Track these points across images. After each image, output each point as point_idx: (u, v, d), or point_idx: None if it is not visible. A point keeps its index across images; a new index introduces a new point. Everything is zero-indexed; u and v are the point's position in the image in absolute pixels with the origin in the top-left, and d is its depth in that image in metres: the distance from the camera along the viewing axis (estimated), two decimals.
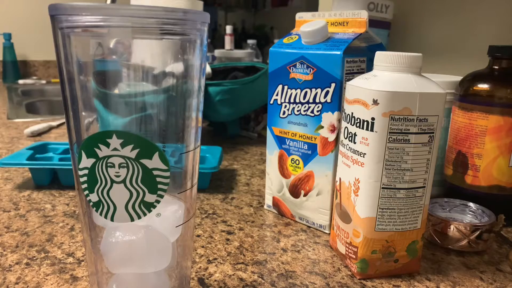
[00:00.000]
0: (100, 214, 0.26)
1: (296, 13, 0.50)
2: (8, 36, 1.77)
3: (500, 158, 0.48)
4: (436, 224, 0.44)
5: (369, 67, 0.45)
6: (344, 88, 0.43)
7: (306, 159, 0.47)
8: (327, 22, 0.46)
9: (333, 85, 0.43)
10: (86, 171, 0.25)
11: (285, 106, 0.48)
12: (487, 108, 0.48)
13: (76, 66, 0.25)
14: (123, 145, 0.25)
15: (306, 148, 0.47)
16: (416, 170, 0.36)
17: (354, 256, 0.38)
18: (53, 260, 0.39)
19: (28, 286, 0.35)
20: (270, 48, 0.48)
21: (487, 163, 0.49)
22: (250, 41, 1.59)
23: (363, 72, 0.45)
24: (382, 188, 0.36)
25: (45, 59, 1.97)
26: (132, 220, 0.26)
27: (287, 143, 0.49)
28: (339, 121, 0.44)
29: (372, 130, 0.35)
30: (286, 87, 0.47)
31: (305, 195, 0.48)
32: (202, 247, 0.43)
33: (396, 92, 0.34)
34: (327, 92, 0.44)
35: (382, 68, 0.36)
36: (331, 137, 0.44)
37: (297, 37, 0.48)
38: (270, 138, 0.51)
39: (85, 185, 0.26)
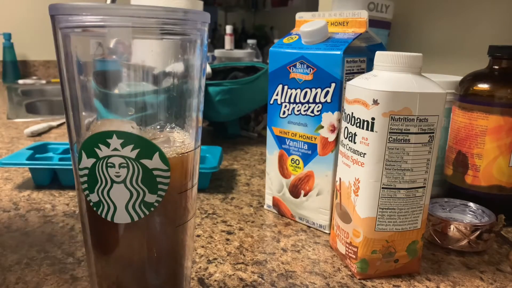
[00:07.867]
0: (100, 214, 0.26)
1: (296, 13, 0.50)
2: (8, 36, 1.77)
3: (500, 158, 0.48)
4: (436, 224, 0.44)
5: (369, 67, 0.45)
6: (344, 88, 0.43)
7: (306, 159, 0.47)
8: (327, 22, 0.46)
9: (333, 85, 0.43)
10: (86, 171, 0.25)
11: (285, 106, 0.48)
12: (487, 108, 0.48)
13: (76, 66, 0.25)
14: (123, 145, 0.25)
15: (306, 148, 0.47)
16: (416, 170, 0.36)
17: (354, 256, 0.38)
18: (53, 260, 0.39)
19: (28, 286, 0.35)
20: (270, 48, 0.48)
21: (487, 163, 0.49)
22: (250, 41, 1.58)
23: (363, 72, 0.45)
24: (382, 188, 0.36)
25: (45, 59, 1.96)
26: (133, 220, 0.26)
27: (287, 143, 0.49)
28: (339, 121, 0.44)
29: (372, 130, 0.35)
30: (286, 87, 0.47)
31: (305, 195, 0.48)
32: (202, 247, 0.43)
33: (396, 92, 0.34)
34: (327, 92, 0.44)
35: (382, 68, 0.36)
36: (331, 137, 0.44)
37: (297, 37, 0.48)
38: (270, 138, 0.51)
39: (85, 185, 0.26)
